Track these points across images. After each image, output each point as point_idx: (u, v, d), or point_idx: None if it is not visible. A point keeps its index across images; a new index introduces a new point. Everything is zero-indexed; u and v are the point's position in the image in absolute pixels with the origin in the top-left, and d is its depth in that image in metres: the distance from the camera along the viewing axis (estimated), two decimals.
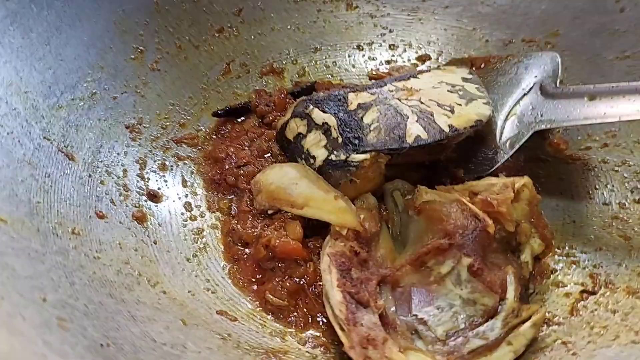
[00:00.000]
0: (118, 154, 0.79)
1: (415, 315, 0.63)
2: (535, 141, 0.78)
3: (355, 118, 0.71)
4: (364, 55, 0.97)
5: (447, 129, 0.70)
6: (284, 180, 0.70)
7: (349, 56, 0.97)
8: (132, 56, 0.87)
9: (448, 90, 0.74)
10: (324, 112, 0.73)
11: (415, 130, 0.69)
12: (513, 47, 0.91)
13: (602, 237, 0.72)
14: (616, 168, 0.76)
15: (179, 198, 0.79)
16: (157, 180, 0.80)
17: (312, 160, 0.72)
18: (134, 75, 0.86)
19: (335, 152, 0.69)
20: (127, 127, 0.82)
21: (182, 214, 0.78)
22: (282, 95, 0.89)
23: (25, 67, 0.75)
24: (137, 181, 0.78)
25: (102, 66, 0.83)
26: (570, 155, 0.80)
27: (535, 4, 0.90)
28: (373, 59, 0.97)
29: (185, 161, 0.83)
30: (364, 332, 0.59)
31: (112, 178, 0.76)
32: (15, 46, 0.75)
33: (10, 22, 0.75)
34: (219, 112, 0.89)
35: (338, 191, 0.69)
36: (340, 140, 0.70)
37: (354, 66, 0.97)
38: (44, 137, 0.72)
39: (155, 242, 0.72)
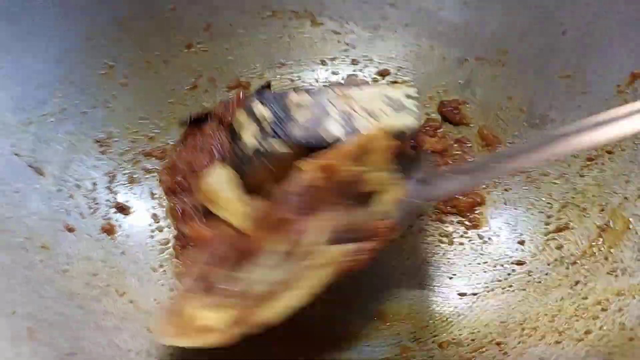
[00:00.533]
0: (87, 167, 0.82)
1: None
2: None
3: (290, 114, 0.74)
4: (327, 70, 1.02)
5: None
6: (219, 180, 0.73)
7: (312, 71, 1.01)
8: (102, 71, 0.89)
9: (383, 101, 0.76)
10: (264, 105, 0.75)
11: (334, 130, 0.71)
12: (467, 65, 0.96)
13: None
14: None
15: (147, 210, 0.82)
16: (125, 193, 0.83)
17: (246, 150, 0.74)
18: (103, 90, 0.89)
19: (263, 143, 0.72)
20: (96, 141, 0.85)
21: (150, 225, 0.81)
22: (240, 97, 0.92)
23: None
24: (106, 194, 0.81)
25: (72, 81, 0.86)
26: None
27: (486, 24, 0.95)
28: (336, 74, 1.02)
29: (154, 174, 0.86)
30: None
31: (82, 192, 0.79)
32: None
33: None
34: (184, 120, 0.92)
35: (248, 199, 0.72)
36: (270, 132, 0.73)
37: (317, 80, 1.01)
38: (14, 153, 0.75)
39: (123, 253, 0.75)
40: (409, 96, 0.80)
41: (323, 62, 1.02)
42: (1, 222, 0.67)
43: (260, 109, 0.76)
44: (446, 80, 0.97)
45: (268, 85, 0.95)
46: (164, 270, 0.76)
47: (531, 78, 0.90)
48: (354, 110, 0.75)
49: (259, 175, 0.73)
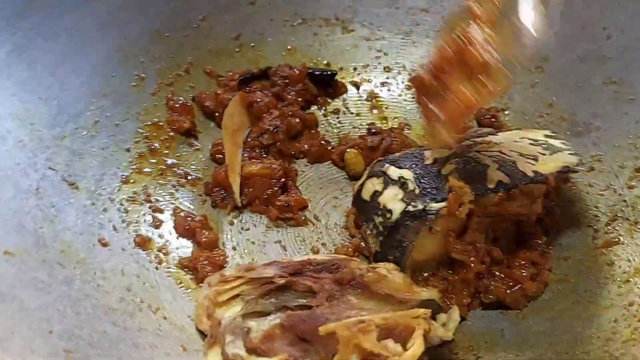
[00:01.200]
0: (120, 181, 0.81)
1: None
2: None
3: (432, 170, 0.71)
4: (360, 78, 1.00)
5: (531, 174, 0.68)
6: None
7: (343, 78, 0.99)
8: (134, 83, 0.89)
9: (530, 144, 0.74)
10: (400, 168, 0.73)
11: (496, 177, 0.68)
12: None
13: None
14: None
15: (179, 224, 0.82)
16: (160, 206, 0.82)
17: (388, 215, 0.70)
18: (135, 101, 0.89)
19: (412, 204, 0.69)
20: (128, 154, 0.84)
21: (181, 239, 0.80)
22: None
23: (32, 99, 0.78)
24: (139, 207, 0.81)
25: (105, 94, 0.86)
26: None
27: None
28: (369, 81, 1.00)
29: (186, 187, 0.85)
30: None
31: (115, 205, 0.78)
32: (21, 79, 0.78)
33: (17, 55, 0.78)
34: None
35: None
36: (417, 191, 0.69)
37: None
38: (49, 167, 0.75)
39: (156, 268, 0.75)
40: (548, 136, 0.77)
41: (355, 69, 1.00)
42: (37, 238, 0.67)
43: (395, 171, 0.73)
44: None
45: (265, 72, 0.93)
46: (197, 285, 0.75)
47: (573, 85, 0.86)
48: (505, 154, 0.71)
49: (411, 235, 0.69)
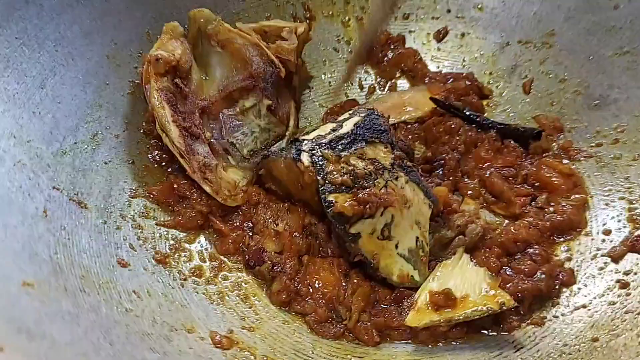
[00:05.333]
0: (129, 195, 0.76)
1: (227, 139, 0.81)
2: None
3: (353, 145, 0.72)
4: None
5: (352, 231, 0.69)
6: None
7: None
8: (129, 91, 0.83)
9: (416, 237, 0.72)
10: (355, 124, 0.74)
11: None
12: (510, 50, 0.92)
13: None
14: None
15: (197, 234, 0.77)
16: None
17: (307, 133, 0.76)
18: (133, 110, 0.83)
19: (310, 143, 0.72)
20: (131, 163, 0.78)
21: (201, 250, 0.75)
22: None
23: (24, 114, 0.71)
24: (152, 222, 0.75)
25: (100, 104, 0.80)
26: (582, 153, 0.81)
27: (528, 5, 0.91)
28: None
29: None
30: (200, 160, 0.75)
31: (127, 222, 0.73)
32: (11, 93, 0.71)
33: (3, 67, 0.71)
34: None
35: None
36: (324, 141, 0.72)
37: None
38: (53, 187, 0.68)
39: (182, 285, 0.69)
40: None
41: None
42: (54, 265, 0.60)
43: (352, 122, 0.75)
44: (489, 67, 0.93)
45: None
46: (222, 296, 0.70)
47: (584, 58, 0.86)
48: None
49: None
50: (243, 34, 0.82)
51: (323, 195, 0.68)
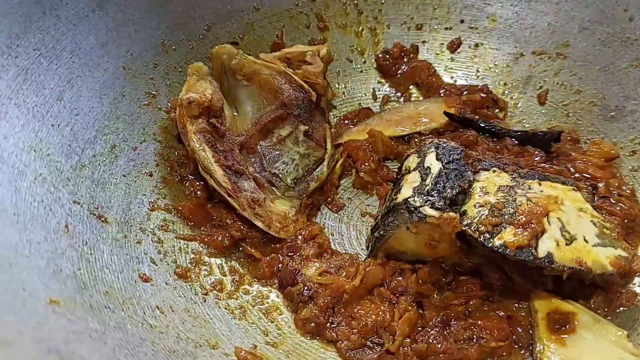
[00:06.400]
0: (148, 208, 0.75)
1: (269, 170, 0.81)
2: None
3: (459, 177, 0.68)
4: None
5: (542, 255, 0.64)
6: None
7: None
8: (146, 102, 0.83)
9: (591, 221, 0.68)
10: (438, 159, 0.71)
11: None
12: (524, 61, 0.92)
13: None
14: None
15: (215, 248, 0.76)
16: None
17: (397, 194, 0.70)
18: (150, 121, 0.82)
19: (416, 197, 0.67)
20: (149, 175, 0.78)
21: (221, 264, 0.74)
22: None
23: (43, 127, 0.70)
24: (171, 235, 0.75)
25: (117, 116, 0.79)
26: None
27: (541, 16, 0.91)
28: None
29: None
30: (248, 196, 0.75)
31: (147, 235, 0.72)
32: (30, 105, 0.70)
33: (22, 80, 0.70)
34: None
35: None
36: (427, 188, 0.67)
37: None
38: (74, 201, 0.68)
39: (204, 300, 0.69)
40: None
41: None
42: (78, 281, 0.60)
43: (431, 158, 0.71)
44: (504, 78, 0.93)
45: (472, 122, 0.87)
46: (244, 311, 0.70)
47: (599, 70, 0.86)
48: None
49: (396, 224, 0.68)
50: (268, 64, 0.82)
51: (490, 244, 0.64)
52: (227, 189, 0.74)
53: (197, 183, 0.79)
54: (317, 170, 0.82)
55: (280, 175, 0.81)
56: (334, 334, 0.67)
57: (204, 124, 0.76)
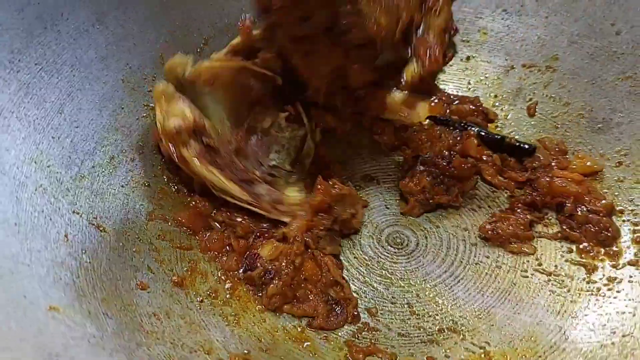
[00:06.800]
0: (145, 218, 0.77)
1: (267, 165, 0.82)
2: None
3: None
4: None
5: None
6: None
7: None
8: (144, 114, 0.85)
9: None
10: None
11: None
12: (514, 73, 0.94)
13: None
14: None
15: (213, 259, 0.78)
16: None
17: None
18: (148, 133, 0.84)
19: None
20: (147, 186, 0.80)
21: (220, 275, 0.76)
22: None
23: (44, 140, 0.73)
24: (167, 244, 0.76)
25: (116, 127, 0.82)
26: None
27: (532, 30, 0.94)
28: None
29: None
30: (268, 200, 0.76)
31: (145, 244, 0.74)
32: (31, 119, 0.72)
33: (24, 94, 0.73)
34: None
35: None
36: None
37: None
38: (73, 211, 0.70)
39: (199, 307, 0.70)
40: None
41: None
42: (76, 288, 0.62)
43: None
44: (494, 90, 0.95)
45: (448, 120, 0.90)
46: (238, 319, 0.72)
47: (587, 83, 0.88)
48: None
49: None
50: (224, 64, 0.79)
51: None
52: (247, 201, 0.75)
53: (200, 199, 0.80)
54: (305, 147, 0.83)
55: (279, 165, 0.83)
56: (302, 308, 0.71)
57: (198, 145, 0.75)
